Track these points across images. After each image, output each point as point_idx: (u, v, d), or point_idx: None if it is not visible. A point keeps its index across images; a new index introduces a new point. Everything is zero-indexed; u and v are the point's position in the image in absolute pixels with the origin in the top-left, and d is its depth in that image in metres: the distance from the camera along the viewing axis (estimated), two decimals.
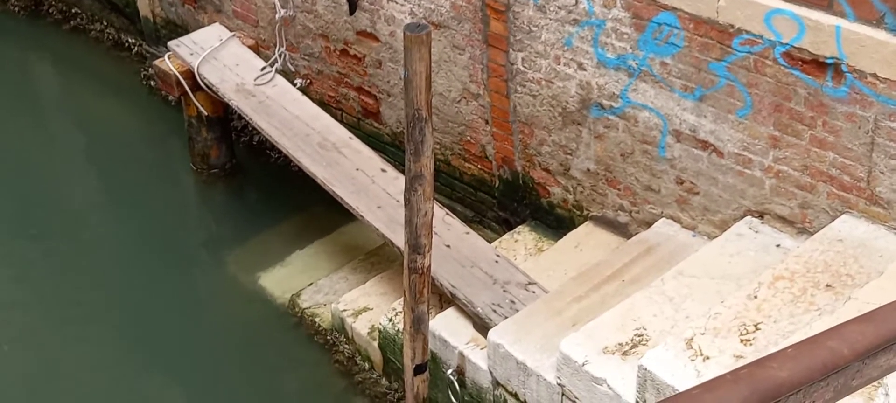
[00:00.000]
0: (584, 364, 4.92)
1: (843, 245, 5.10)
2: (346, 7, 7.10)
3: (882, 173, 4.99)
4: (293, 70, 7.71)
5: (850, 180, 5.12)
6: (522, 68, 6.21)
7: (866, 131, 4.95)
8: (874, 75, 4.82)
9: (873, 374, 0.97)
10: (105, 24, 9.64)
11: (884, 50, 4.75)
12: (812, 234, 5.29)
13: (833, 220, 5.25)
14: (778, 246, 5.46)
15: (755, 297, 4.88)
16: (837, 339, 0.91)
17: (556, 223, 6.59)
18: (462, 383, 5.66)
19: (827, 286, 4.92)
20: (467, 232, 6.23)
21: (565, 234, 6.41)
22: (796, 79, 5.08)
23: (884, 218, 5.09)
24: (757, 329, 4.72)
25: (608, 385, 4.85)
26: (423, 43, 4.44)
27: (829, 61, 4.93)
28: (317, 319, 6.60)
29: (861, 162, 5.04)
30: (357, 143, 6.88)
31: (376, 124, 7.50)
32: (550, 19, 5.91)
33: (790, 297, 4.87)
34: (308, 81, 7.77)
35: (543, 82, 6.15)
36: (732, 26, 5.19)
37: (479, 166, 6.90)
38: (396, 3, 6.77)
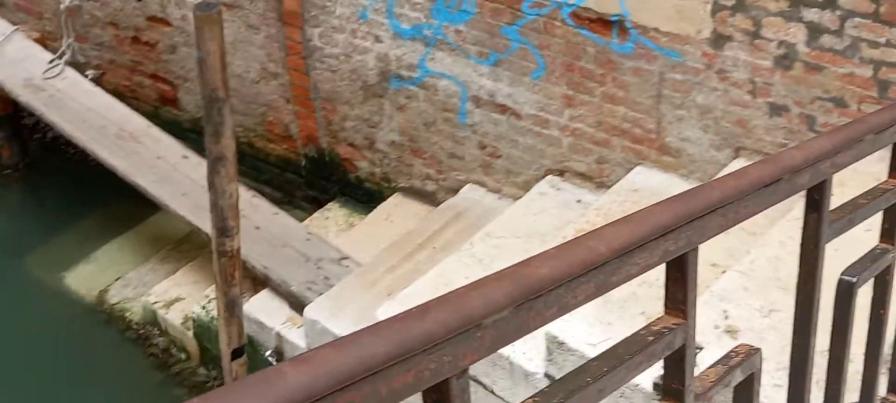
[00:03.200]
0: None
1: (638, 194, 5.33)
2: None
3: (670, 123, 5.23)
4: (84, 61, 7.45)
5: (642, 132, 5.34)
6: (320, 44, 6.20)
7: (653, 84, 5.17)
8: (656, 30, 5.03)
9: (632, 271, 1.04)
10: None
11: (664, 4, 4.97)
12: (609, 187, 5.50)
13: (628, 173, 5.47)
14: (579, 201, 5.65)
15: None
16: (596, 239, 0.97)
17: (365, 197, 6.62)
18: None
19: None
20: (276, 213, 6.19)
21: (375, 207, 6.45)
22: (585, 39, 5.26)
23: (675, 166, 5.34)
24: None
25: None
26: (215, 22, 4.39)
27: (613, 19, 5.12)
28: (127, 314, 6.43)
29: (650, 114, 5.26)
30: (156, 132, 6.72)
31: (175, 111, 7.34)
32: None
33: None
34: (100, 72, 7.53)
35: (342, 57, 6.16)
36: None
37: (283, 146, 6.85)
38: None
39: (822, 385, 1.99)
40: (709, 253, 4.55)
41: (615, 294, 4.82)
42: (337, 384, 0.70)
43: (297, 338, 5.50)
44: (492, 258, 5.30)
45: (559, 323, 4.56)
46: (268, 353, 5.64)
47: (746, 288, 4.15)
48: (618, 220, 1.00)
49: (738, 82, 4.91)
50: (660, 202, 1.09)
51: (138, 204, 6.68)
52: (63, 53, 7.29)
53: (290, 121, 6.69)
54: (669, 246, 1.10)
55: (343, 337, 0.75)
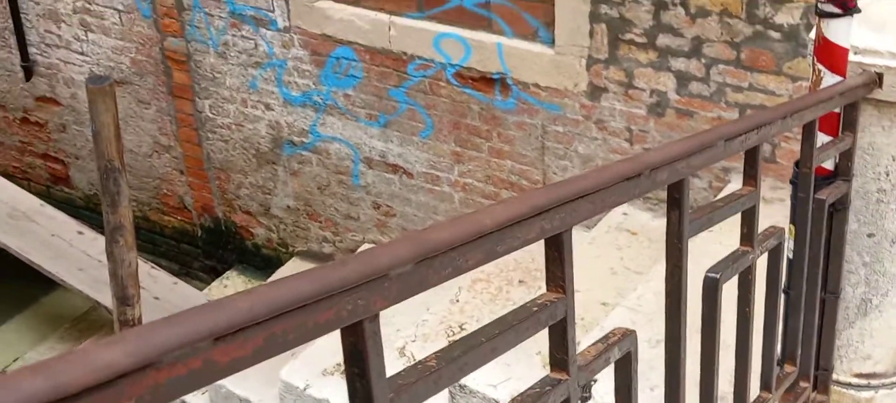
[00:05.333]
0: (305, 389, 5.05)
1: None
2: (21, 74, 6.93)
3: (555, 174, 5.47)
4: None
5: (529, 184, 5.57)
6: (211, 115, 6.31)
7: (536, 137, 5.41)
8: (536, 85, 5.28)
9: (514, 243, 1.21)
10: None
11: (541, 61, 5.23)
12: None
13: None
14: None
15: (457, 301, 5.21)
16: (483, 214, 1.14)
17: (263, 263, 6.70)
18: None
19: (520, 282, 5.33)
20: (175, 283, 6.24)
21: (273, 273, 6.54)
22: (469, 97, 5.48)
23: None
24: (462, 329, 5.04)
25: None
26: (108, 94, 4.49)
27: (495, 77, 5.36)
28: None
29: (535, 166, 5.49)
30: (50, 210, 6.72)
31: (67, 189, 7.35)
32: (232, 65, 6.06)
33: (488, 297, 5.24)
34: None
35: (233, 127, 6.28)
36: (405, 53, 5.54)
37: (179, 218, 6.91)
38: (75, 65, 6.69)
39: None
40: (599, 293, 4.78)
41: None
42: (274, 312, 0.85)
43: None
44: (392, 312, 5.40)
45: None
46: None
47: (634, 321, 4.36)
48: (504, 200, 1.17)
49: (615, 131, 5.18)
50: (537, 188, 1.27)
51: (33, 283, 6.63)
52: None
53: (184, 193, 6.76)
54: (545, 225, 1.28)
55: (275, 281, 0.90)
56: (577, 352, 1.47)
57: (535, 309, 1.35)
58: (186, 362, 0.79)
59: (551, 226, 1.29)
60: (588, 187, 1.36)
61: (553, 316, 1.38)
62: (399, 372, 1.10)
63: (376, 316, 1.00)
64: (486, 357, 1.24)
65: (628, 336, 1.62)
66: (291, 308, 0.87)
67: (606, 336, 1.59)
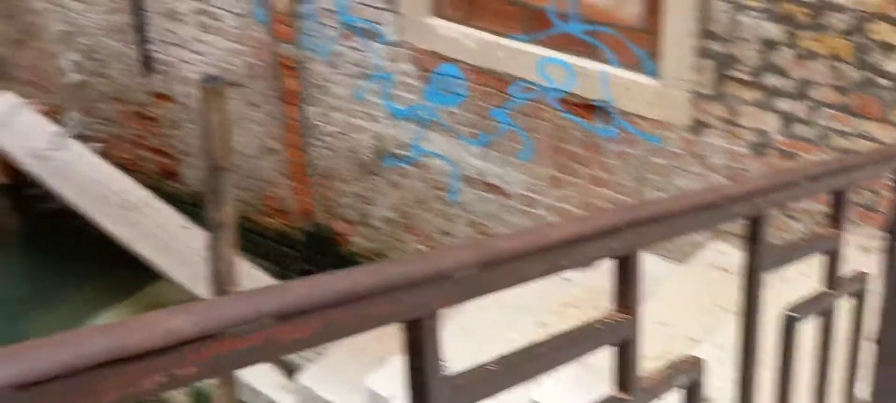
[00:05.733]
0: (391, 400, 5.12)
1: None
2: (139, 70, 7.18)
3: None
4: (89, 134, 7.70)
5: None
6: (318, 122, 6.45)
7: (636, 168, 5.40)
8: (639, 115, 5.27)
9: (579, 259, 1.25)
10: None
11: (645, 92, 5.22)
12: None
13: None
14: (565, 278, 5.83)
15: (544, 324, 5.21)
16: (550, 228, 1.17)
17: None
18: None
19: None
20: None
21: None
22: (571, 123, 5.50)
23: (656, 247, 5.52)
24: None
25: None
26: (220, 94, 4.64)
27: (598, 104, 5.36)
28: None
29: (633, 196, 5.47)
30: (157, 203, 6.95)
31: (176, 184, 7.57)
32: (342, 74, 6.19)
33: (576, 322, 5.22)
34: (105, 145, 7.78)
35: (339, 135, 6.41)
36: (510, 75, 5.58)
37: (280, 220, 7.06)
38: (190, 63, 6.91)
39: None
40: (687, 328, 4.73)
41: (594, 362, 5.00)
42: (333, 298, 0.91)
43: None
44: (477, 329, 5.47)
45: (541, 388, 4.73)
46: None
47: (720, 359, 4.29)
48: (575, 218, 1.21)
49: (715, 167, 5.14)
50: (609, 209, 1.30)
51: (136, 273, 6.84)
52: (69, 127, 7.55)
53: (287, 196, 6.91)
54: (614, 244, 1.31)
55: (338, 271, 0.95)
56: (643, 375, 1.49)
57: (601, 327, 1.38)
58: (249, 337, 0.84)
59: (621, 247, 1.32)
60: (661, 212, 1.39)
61: (618, 336, 1.40)
62: (457, 372, 1.15)
63: (436, 314, 1.05)
64: (546, 366, 1.27)
65: (696, 364, 1.64)
66: (351, 298, 0.92)
67: (674, 363, 1.61)
